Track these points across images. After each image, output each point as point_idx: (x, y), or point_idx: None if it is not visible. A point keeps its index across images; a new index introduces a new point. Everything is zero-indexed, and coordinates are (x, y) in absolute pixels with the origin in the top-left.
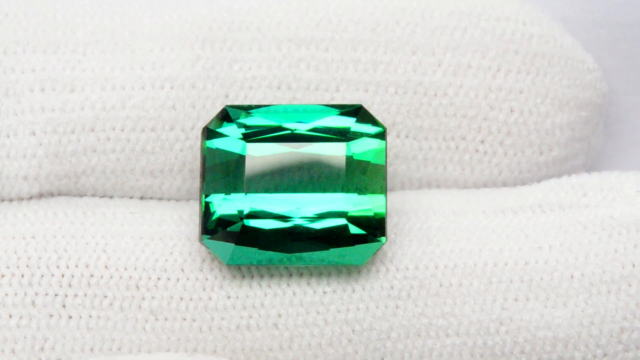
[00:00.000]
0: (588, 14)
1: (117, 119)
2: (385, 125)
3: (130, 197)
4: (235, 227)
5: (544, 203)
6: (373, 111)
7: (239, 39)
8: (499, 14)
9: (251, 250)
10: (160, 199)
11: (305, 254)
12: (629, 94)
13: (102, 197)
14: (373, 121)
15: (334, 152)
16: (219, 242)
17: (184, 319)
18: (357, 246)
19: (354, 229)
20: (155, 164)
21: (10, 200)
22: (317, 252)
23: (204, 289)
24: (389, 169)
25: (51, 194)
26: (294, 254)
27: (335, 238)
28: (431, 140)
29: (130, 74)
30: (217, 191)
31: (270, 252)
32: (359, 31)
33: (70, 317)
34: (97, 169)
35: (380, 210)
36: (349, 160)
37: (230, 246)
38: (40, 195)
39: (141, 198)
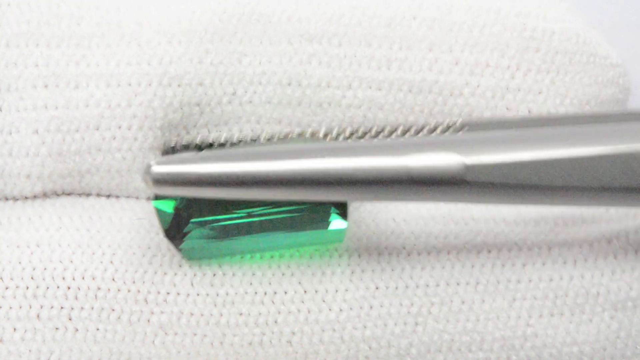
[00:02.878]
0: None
1: (123, 118)
2: (399, 124)
3: (137, 198)
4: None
5: (567, 216)
6: (385, 110)
7: (249, 31)
8: (520, 9)
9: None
10: None
11: (270, 236)
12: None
13: (109, 196)
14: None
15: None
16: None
17: (195, 334)
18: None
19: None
20: None
21: (14, 199)
22: (282, 235)
23: (215, 305)
24: None
25: (55, 193)
26: (260, 237)
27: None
28: None
29: (137, 70)
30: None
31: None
32: (373, 26)
33: (77, 330)
34: (101, 168)
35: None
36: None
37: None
38: (44, 195)
39: (147, 199)
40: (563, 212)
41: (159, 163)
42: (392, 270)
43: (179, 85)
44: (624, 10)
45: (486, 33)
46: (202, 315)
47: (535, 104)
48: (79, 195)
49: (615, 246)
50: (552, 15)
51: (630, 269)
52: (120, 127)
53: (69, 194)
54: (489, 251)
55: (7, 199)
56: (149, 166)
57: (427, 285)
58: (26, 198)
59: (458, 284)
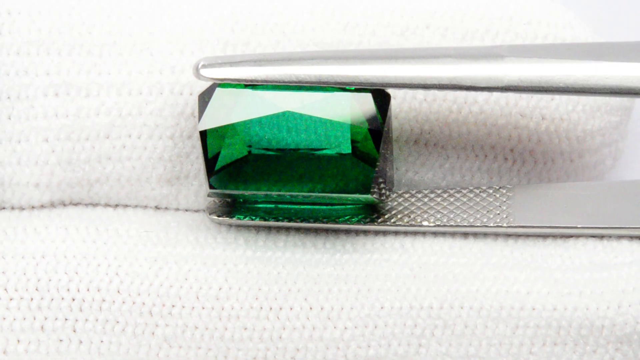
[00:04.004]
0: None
1: (133, 126)
2: (413, 133)
3: (145, 207)
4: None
5: (575, 256)
6: (400, 119)
7: (262, 41)
8: (531, 17)
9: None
10: (176, 208)
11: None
12: None
13: (116, 207)
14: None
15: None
16: (225, 177)
17: (199, 348)
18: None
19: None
20: (172, 172)
21: (21, 208)
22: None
23: (220, 319)
24: (415, 177)
25: (62, 203)
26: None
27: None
28: (459, 149)
29: (148, 79)
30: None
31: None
32: (387, 35)
33: (81, 342)
34: (111, 177)
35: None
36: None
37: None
38: (52, 204)
39: (156, 207)
40: (570, 253)
41: (205, 66)
42: (397, 290)
43: (190, 94)
44: (623, 10)
45: (498, 41)
46: (206, 329)
47: (549, 111)
48: (86, 205)
49: (623, 279)
50: (561, 23)
51: (637, 303)
52: (130, 136)
53: (76, 204)
54: (495, 277)
55: (13, 208)
56: (197, 66)
57: (431, 307)
58: (33, 208)
59: (462, 307)
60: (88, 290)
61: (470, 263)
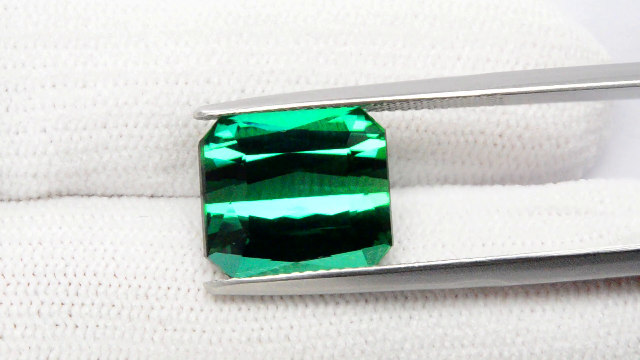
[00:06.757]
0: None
1: (130, 115)
2: (405, 119)
3: (140, 196)
4: (241, 237)
5: (561, 206)
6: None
7: (255, 32)
8: (517, 5)
9: (258, 260)
10: (171, 196)
11: (312, 262)
12: None
13: (111, 196)
14: (373, 123)
15: (336, 153)
16: (225, 254)
17: (194, 330)
18: (364, 249)
19: (358, 230)
20: (169, 160)
21: (18, 199)
22: (325, 259)
23: (215, 300)
24: (407, 164)
25: (59, 193)
26: (302, 262)
27: (341, 240)
28: (450, 135)
29: (144, 69)
30: (218, 201)
31: (277, 262)
32: (377, 24)
33: (77, 326)
34: (108, 166)
35: (385, 212)
36: (351, 161)
37: (237, 258)
38: (49, 195)
39: (151, 196)
40: (557, 204)
41: (218, 284)
42: (388, 263)
43: (185, 83)
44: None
45: (486, 29)
46: (201, 310)
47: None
48: (82, 195)
49: (606, 241)
50: (546, 12)
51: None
52: (127, 125)
53: (72, 195)
54: (483, 245)
55: (10, 199)
56: (209, 284)
57: None
58: (30, 198)
59: None
60: (84, 274)
61: (457, 229)
